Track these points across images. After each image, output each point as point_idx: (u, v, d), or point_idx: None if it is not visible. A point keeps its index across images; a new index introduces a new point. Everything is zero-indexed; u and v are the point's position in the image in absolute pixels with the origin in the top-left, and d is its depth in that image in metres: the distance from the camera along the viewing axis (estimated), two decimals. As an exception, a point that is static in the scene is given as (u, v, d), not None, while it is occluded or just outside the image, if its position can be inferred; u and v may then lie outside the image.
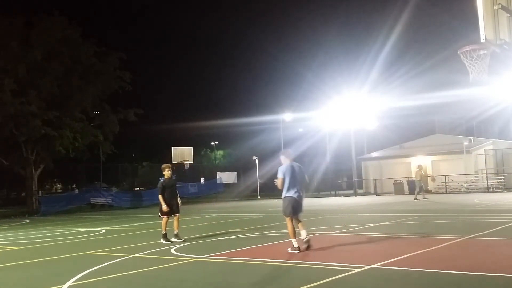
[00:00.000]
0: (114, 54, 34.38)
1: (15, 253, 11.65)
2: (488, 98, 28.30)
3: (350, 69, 58.83)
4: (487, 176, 34.60)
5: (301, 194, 9.21)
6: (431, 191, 33.24)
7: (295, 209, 9.15)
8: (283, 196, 9.23)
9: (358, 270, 7.09)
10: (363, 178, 42.24)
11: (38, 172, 33.39)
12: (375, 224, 13.54)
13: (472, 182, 34.79)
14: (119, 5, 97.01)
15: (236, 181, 45.61)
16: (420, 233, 10.96)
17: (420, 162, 31.05)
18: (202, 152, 70.69)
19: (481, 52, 8.59)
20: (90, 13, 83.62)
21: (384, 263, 7.42)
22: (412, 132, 44.29)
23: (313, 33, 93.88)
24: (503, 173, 36.18)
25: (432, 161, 37.23)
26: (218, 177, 44.31)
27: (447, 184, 33.74)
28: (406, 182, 34.37)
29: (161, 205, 11.61)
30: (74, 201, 34.77)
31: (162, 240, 11.41)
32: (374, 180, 37.69)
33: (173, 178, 12.07)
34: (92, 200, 34.92)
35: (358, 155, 43.65)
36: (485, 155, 36.98)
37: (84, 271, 8.06)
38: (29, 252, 11.41)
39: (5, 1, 45.70)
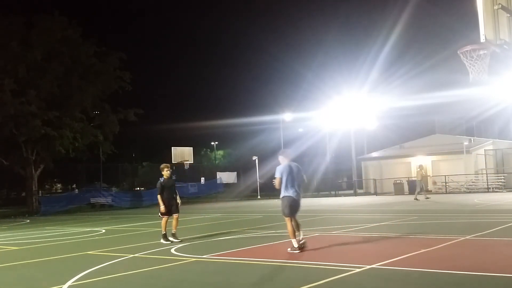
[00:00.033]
0: (114, 54, 34.37)
1: (15, 253, 11.65)
2: (488, 98, 28.29)
3: (350, 69, 58.85)
4: (487, 176, 34.60)
5: (299, 193, 9.23)
6: (431, 191, 33.23)
7: (293, 209, 9.17)
8: (281, 196, 9.25)
9: (358, 270, 7.09)
10: (363, 178, 42.23)
11: (38, 172, 33.38)
12: (375, 224, 13.54)
13: (472, 182, 34.79)
14: (119, 5, 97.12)
15: (236, 181, 45.60)
16: (420, 233, 10.95)
17: (421, 162, 31.05)
18: (202, 152, 70.71)
19: (481, 52, 8.59)
20: (90, 13, 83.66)
21: (384, 263, 7.42)
22: (412, 132, 44.29)
23: (313, 33, 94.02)
24: (503, 173, 36.18)
25: (432, 161, 37.23)
26: (218, 177, 44.30)
27: (447, 184, 33.75)
28: (406, 182, 34.38)
29: (159, 205, 11.64)
30: (74, 201, 34.77)
31: (162, 240, 11.41)
32: (374, 180, 37.69)
33: (173, 178, 12.08)
34: (92, 200, 34.92)
35: (358, 155, 43.65)
36: (485, 155, 36.97)
37: (84, 271, 8.06)
38: (29, 252, 11.41)
39: (5, 1, 45.65)
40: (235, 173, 47.20)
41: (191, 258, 9.01)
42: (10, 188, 57.75)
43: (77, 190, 47.31)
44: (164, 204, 11.54)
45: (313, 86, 64.02)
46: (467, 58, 8.80)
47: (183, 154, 38.76)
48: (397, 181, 35.00)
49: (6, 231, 18.08)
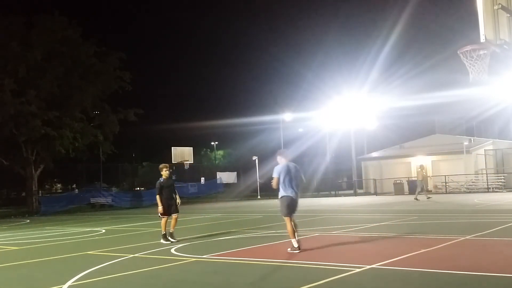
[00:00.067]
0: (114, 54, 34.37)
1: (15, 253, 11.65)
2: (488, 98, 28.29)
3: (350, 69, 58.92)
4: (487, 176, 34.60)
5: (297, 193, 9.25)
6: (431, 191, 33.24)
7: (291, 208, 9.18)
8: (280, 196, 9.28)
9: (358, 270, 7.08)
10: (363, 178, 42.23)
11: (38, 172, 33.38)
12: (375, 224, 13.54)
13: (472, 182, 34.79)
14: (119, 5, 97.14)
15: (236, 181, 45.61)
16: (420, 233, 10.95)
17: (421, 162, 31.05)
18: (202, 152, 70.72)
19: (481, 52, 8.59)
20: (90, 13, 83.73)
21: (384, 263, 7.42)
22: (412, 132, 44.29)
23: (313, 33, 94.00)
24: (503, 173, 36.18)
25: (432, 161, 37.23)
26: (218, 177, 44.30)
27: (447, 184, 33.75)
28: (406, 182, 34.38)
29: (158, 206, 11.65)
30: (74, 201, 34.77)
31: (162, 240, 11.41)
32: (374, 180, 37.68)
33: (173, 178, 12.07)
34: (92, 200, 34.91)
35: (358, 155, 43.65)
36: (485, 155, 36.98)
37: (84, 271, 8.06)
38: (29, 252, 11.41)
39: (5, 1, 45.68)
40: (235, 173, 47.21)
41: (191, 258, 9.01)
42: (10, 188, 57.69)
43: (77, 190, 47.32)
44: (163, 204, 11.55)
45: (313, 86, 64.09)
46: (467, 58, 8.80)
47: (183, 154, 38.76)
48: (397, 181, 35.00)
49: (6, 231, 18.08)
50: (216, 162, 71.59)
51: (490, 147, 38.32)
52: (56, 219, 24.27)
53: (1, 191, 59.34)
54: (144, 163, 64.99)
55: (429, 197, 25.50)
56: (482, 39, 7.95)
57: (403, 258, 7.88)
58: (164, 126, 59.25)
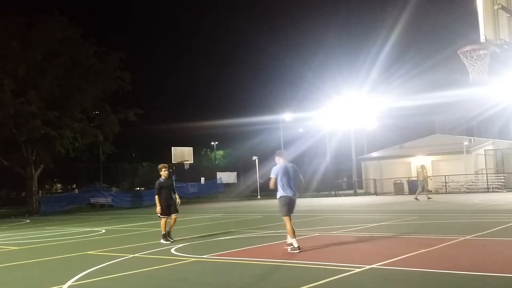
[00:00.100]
0: (114, 54, 34.36)
1: (15, 253, 11.65)
2: (488, 98, 28.30)
3: (350, 69, 58.88)
4: (487, 176, 34.60)
5: (295, 193, 9.26)
6: (431, 191, 33.23)
7: (290, 208, 9.20)
8: (278, 197, 9.32)
9: (358, 270, 7.08)
10: (363, 178, 42.23)
11: (38, 172, 33.38)
12: (375, 224, 13.54)
13: (472, 182, 34.79)
14: (119, 5, 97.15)
15: (236, 181, 45.62)
16: (420, 233, 10.96)
17: (422, 162, 31.04)
18: (202, 152, 70.73)
19: (481, 52, 8.59)
20: (90, 13, 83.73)
21: (384, 263, 7.42)
22: (412, 132, 44.30)
23: (313, 33, 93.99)
24: (503, 173, 36.19)
25: (432, 161, 37.22)
26: (218, 177, 44.32)
27: (447, 184, 33.75)
28: (406, 182, 34.38)
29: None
30: (74, 201, 34.80)
31: (162, 240, 11.41)
32: (374, 180, 37.68)
33: (173, 178, 12.08)
34: (92, 200, 34.94)
35: (358, 155, 43.65)
36: (485, 155, 36.98)
37: (84, 271, 8.06)
38: (29, 252, 11.41)
39: (5, 1, 45.68)
40: (235, 173, 47.22)
41: (191, 258, 9.01)
42: (10, 188, 57.75)
43: (77, 190, 47.39)
44: (162, 204, 11.55)
45: (313, 86, 64.11)
46: (467, 58, 8.80)
47: (183, 154, 38.74)
48: (397, 181, 35.00)
49: (6, 231, 18.08)
50: (216, 162, 71.60)
51: (490, 147, 38.32)
52: (56, 219, 24.27)
53: (1, 191, 59.39)
54: (144, 163, 65.02)
55: (430, 198, 25.42)
56: (482, 39, 7.95)
57: (403, 258, 7.88)
58: (164, 126, 59.33)
